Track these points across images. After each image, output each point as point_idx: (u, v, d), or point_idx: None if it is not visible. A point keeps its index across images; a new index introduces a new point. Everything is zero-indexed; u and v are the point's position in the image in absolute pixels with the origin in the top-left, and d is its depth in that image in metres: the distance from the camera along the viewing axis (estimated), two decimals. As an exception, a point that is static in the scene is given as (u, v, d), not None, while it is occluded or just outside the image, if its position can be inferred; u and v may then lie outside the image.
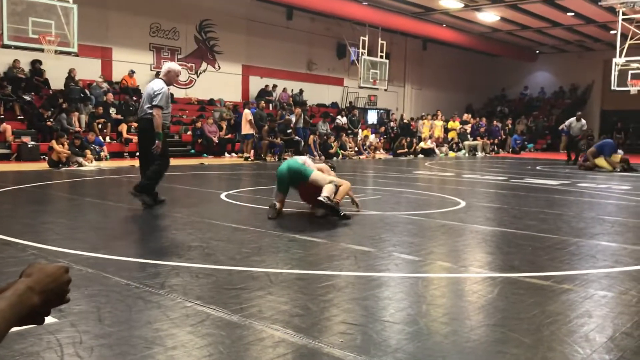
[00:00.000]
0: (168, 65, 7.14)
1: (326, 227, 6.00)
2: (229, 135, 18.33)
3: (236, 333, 2.86)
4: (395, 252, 4.77)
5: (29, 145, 13.77)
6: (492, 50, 29.60)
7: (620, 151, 17.45)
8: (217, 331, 2.87)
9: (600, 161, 15.65)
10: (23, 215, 6.48)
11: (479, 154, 23.85)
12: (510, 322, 3.10)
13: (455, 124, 24.99)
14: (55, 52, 12.92)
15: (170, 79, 7.09)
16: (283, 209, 6.53)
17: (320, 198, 6.17)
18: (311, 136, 18.67)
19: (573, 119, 18.21)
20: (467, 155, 23.59)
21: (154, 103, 6.80)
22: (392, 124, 24.89)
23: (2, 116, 14.43)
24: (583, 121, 17.94)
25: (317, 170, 6.60)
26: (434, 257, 4.74)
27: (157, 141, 6.82)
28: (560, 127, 17.91)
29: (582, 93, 31.72)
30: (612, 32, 23.02)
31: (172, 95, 18.66)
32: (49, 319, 2.90)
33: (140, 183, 6.95)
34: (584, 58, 31.04)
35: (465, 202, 8.25)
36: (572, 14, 22.85)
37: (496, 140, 26.02)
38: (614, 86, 20.18)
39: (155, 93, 6.83)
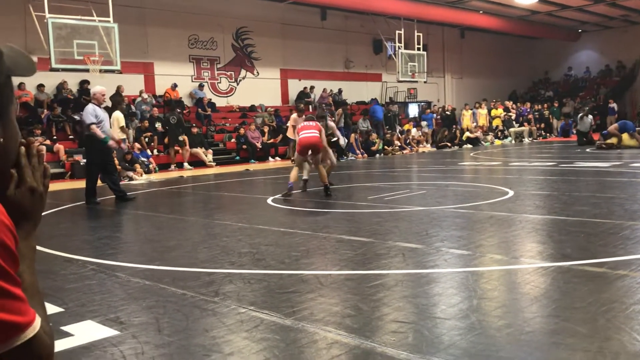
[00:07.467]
0: (92, 90, 9.10)
1: (372, 226, 6.02)
2: (272, 140, 18.52)
3: (290, 336, 2.92)
4: (443, 247, 4.76)
5: (81, 163, 14.25)
6: (532, 33, 28.86)
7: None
8: (271, 335, 2.95)
9: (626, 137, 15.89)
10: (81, 231, 6.75)
11: (526, 140, 23.34)
12: (564, 312, 3.06)
13: (498, 111, 24.49)
14: (100, 71, 13.37)
15: (99, 99, 8.74)
16: (330, 211, 6.60)
17: None
18: (352, 135, 18.65)
19: (579, 116, 18.97)
20: (513, 142, 23.13)
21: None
22: (435, 115, 24.56)
23: (55, 137, 15.00)
24: (589, 117, 18.54)
25: None
26: (483, 250, 4.70)
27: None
28: (575, 128, 18.80)
29: (630, 69, 30.58)
30: (659, 3, 22.13)
31: (214, 104, 19.37)
32: (111, 332, 3.05)
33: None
34: (630, 33, 29.88)
35: (514, 191, 8.12)
36: (615, -12, 22.09)
37: (543, 125, 25.40)
38: (664, 59, 19.45)
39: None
